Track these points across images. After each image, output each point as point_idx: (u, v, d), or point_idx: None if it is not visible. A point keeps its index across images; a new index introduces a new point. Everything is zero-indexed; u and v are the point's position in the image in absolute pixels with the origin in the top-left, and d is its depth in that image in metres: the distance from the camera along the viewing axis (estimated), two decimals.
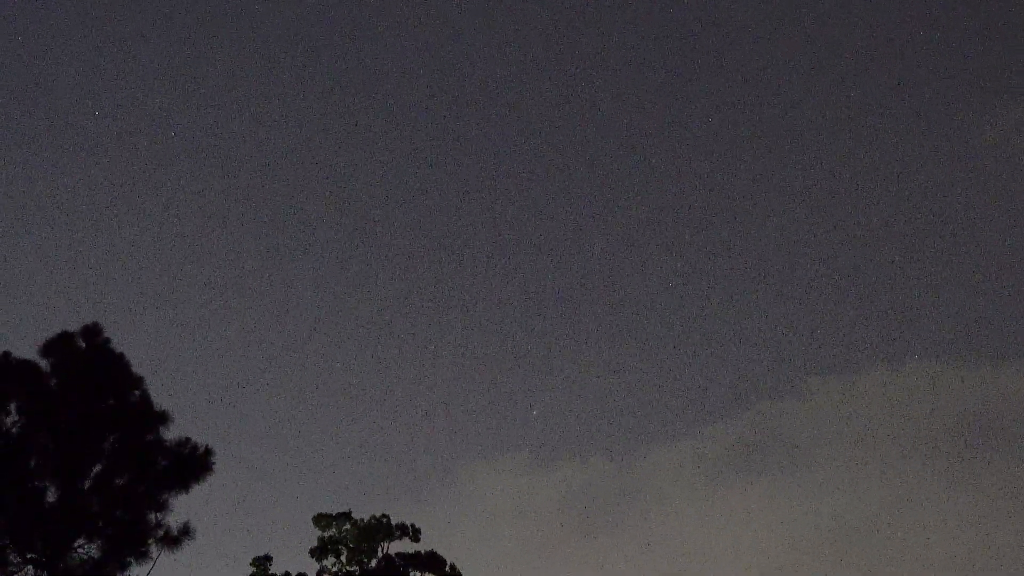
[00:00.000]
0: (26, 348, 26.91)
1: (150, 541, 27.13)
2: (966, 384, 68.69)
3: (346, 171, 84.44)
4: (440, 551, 39.83)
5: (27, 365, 26.49)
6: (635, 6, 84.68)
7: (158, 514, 27.07)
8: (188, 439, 26.73)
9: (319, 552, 40.38)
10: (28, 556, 27.55)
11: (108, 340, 26.77)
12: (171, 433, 26.92)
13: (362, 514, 40.99)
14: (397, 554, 40.19)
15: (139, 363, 27.49)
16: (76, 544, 27.28)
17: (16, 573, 27.79)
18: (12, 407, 26.80)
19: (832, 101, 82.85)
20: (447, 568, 39.34)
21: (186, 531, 27.10)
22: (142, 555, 27.27)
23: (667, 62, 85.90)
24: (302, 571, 39.99)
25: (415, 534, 40.20)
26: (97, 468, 26.74)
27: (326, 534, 40.52)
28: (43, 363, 26.71)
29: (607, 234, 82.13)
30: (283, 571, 39.22)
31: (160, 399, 27.42)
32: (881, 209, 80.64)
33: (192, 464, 26.90)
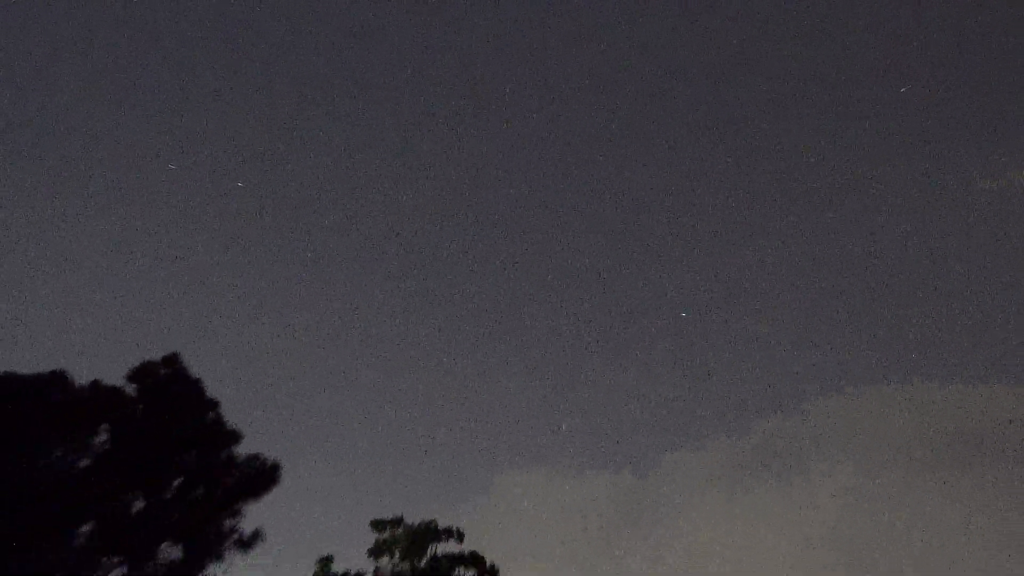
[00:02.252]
0: (112, 374, 30.47)
1: (225, 544, 30.57)
2: (959, 403, 71.75)
3: (399, 197, 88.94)
4: (480, 552, 43.12)
5: (115, 392, 30.02)
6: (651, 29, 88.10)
7: (232, 520, 30.49)
8: (257, 455, 30.12)
9: (375, 552, 43.59)
10: (117, 559, 31.09)
11: (185, 368, 30.26)
12: (242, 448, 30.35)
13: (413, 519, 44.34)
14: (444, 554, 43.41)
15: (211, 382, 30.94)
16: (160, 548, 30.77)
17: (107, 575, 31.31)
18: (103, 428, 30.39)
19: (825, 127, 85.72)
20: (487, 566, 42.48)
21: (257, 535, 30.50)
22: (218, 557, 30.72)
23: (683, 88, 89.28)
24: (360, 570, 43.24)
25: (459, 536, 43.38)
26: (177, 481, 30.20)
27: (381, 537, 43.74)
28: (129, 388, 30.24)
29: (632, 266, 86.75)
30: (343, 570, 42.52)
31: (230, 415, 30.87)
32: (879, 237, 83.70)
33: (261, 477, 30.31)
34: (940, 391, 73.95)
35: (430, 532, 43.36)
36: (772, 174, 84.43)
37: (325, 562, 39.56)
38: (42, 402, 29.62)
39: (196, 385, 30.07)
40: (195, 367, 30.52)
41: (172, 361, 30.09)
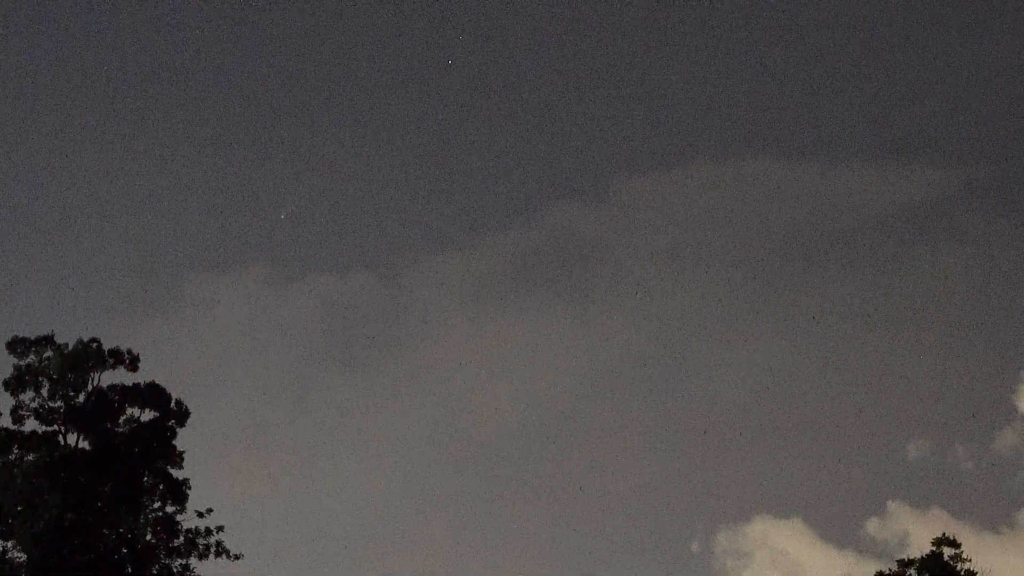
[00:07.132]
0: None
1: None
2: (800, 185, 60.82)
3: None
4: (163, 382, 34.91)
5: None
6: None
7: None
8: None
9: (15, 384, 34.64)
10: None
11: None
12: None
13: (67, 338, 35.36)
14: (110, 386, 34.87)
15: None
16: None
17: None
18: None
19: None
20: (172, 404, 34.57)
21: None
22: None
23: None
24: None
25: (132, 362, 34.87)
26: None
27: (23, 362, 34.69)
28: None
29: None
30: None
31: None
32: None
33: None
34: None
35: (91, 355, 34.87)
36: None
37: None
38: None
39: None
40: None
41: None
